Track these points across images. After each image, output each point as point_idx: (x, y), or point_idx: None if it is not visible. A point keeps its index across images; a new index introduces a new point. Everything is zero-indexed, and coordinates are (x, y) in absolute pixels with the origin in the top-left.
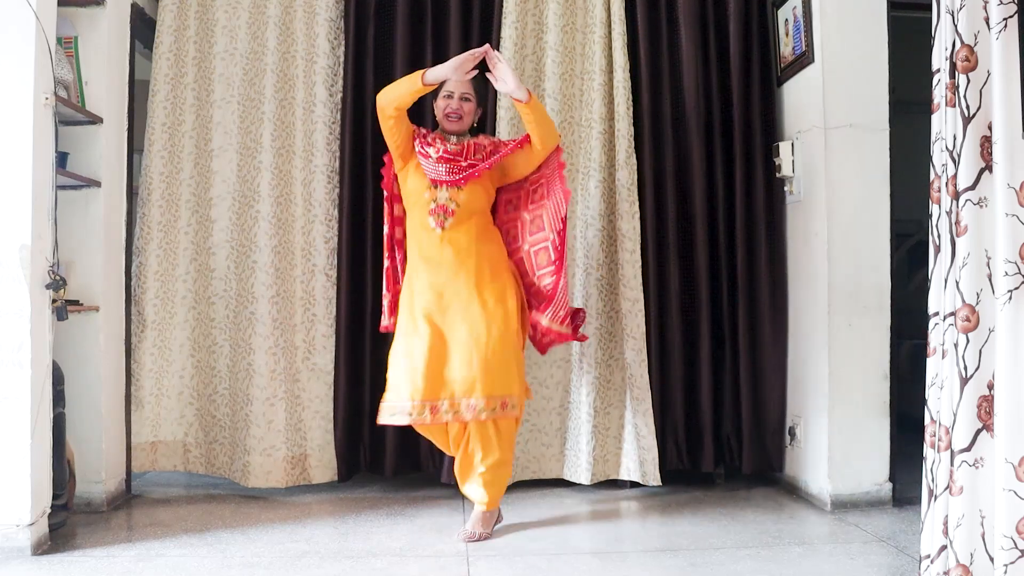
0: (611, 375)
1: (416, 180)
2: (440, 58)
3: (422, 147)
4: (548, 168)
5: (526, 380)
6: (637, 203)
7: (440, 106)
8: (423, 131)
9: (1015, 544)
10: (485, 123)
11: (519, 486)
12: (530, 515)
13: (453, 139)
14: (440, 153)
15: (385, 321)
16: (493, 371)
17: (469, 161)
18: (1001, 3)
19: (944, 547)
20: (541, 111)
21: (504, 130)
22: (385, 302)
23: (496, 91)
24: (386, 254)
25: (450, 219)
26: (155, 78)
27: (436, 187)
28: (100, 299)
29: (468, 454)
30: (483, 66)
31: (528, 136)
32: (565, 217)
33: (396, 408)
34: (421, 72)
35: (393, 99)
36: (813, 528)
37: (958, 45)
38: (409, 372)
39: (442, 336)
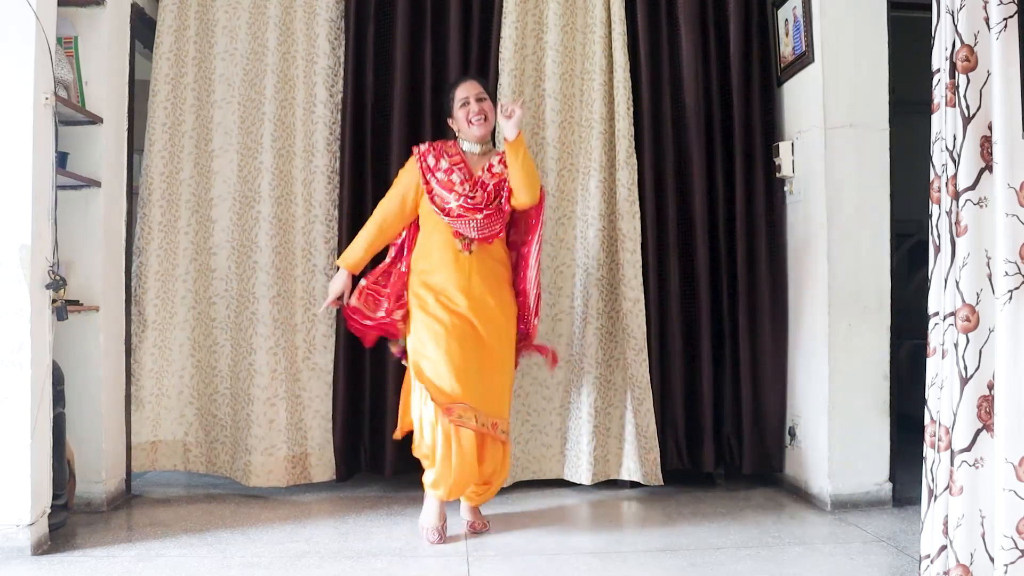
0: (611, 375)
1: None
2: (439, 58)
3: (436, 181)
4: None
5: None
6: (637, 203)
7: (460, 116)
8: (431, 161)
9: (1015, 544)
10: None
11: (519, 486)
12: (530, 515)
13: (478, 149)
14: (458, 204)
15: (351, 301)
16: (497, 396)
17: (486, 211)
18: (1001, 3)
19: (944, 547)
20: (527, 158)
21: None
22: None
23: (496, 93)
24: (393, 256)
25: (475, 243)
26: (155, 78)
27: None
28: (100, 299)
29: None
30: (466, 77)
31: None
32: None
33: (446, 401)
34: (343, 264)
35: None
36: (813, 528)
37: (958, 45)
38: (454, 372)
39: (477, 348)
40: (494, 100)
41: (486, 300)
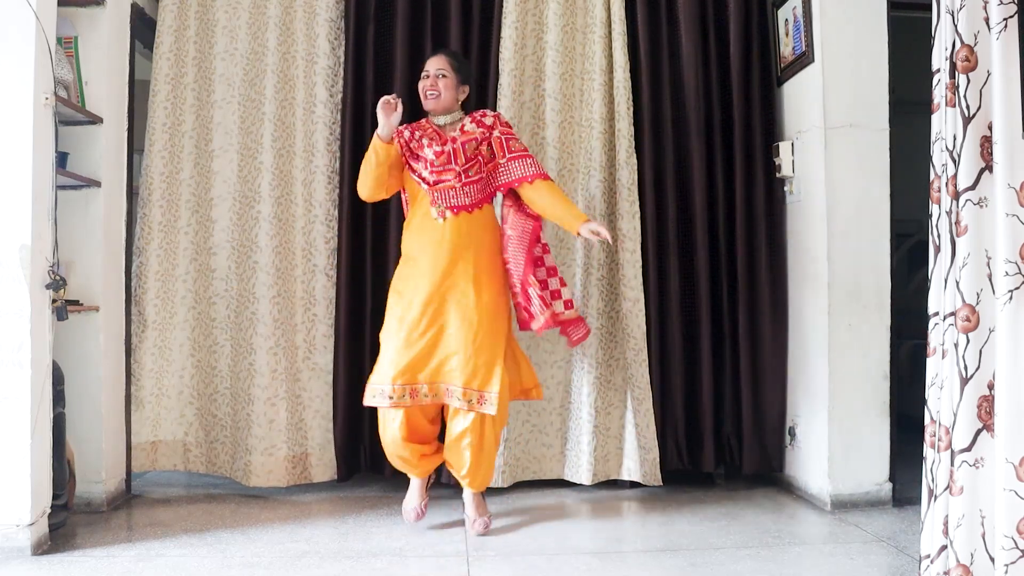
0: (611, 375)
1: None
2: None
3: (410, 152)
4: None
5: (536, 379)
6: (638, 203)
7: (420, 88)
8: (406, 135)
9: (1016, 544)
10: (485, 102)
11: (520, 486)
12: (530, 515)
13: (444, 120)
14: (430, 171)
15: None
16: (477, 365)
17: (465, 178)
18: (1001, 3)
19: (944, 547)
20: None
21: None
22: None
23: (496, 92)
24: None
25: (450, 211)
26: (155, 78)
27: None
28: (100, 299)
29: (455, 441)
30: (438, 50)
31: (522, 179)
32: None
33: (377, 390)
34: (373, 139)
35: (369, 182)
36: (813, 528)
37: (958, 45)
38: (394, 355)
39: (434, 322)
40: (493, 95)
41: (454, 268)
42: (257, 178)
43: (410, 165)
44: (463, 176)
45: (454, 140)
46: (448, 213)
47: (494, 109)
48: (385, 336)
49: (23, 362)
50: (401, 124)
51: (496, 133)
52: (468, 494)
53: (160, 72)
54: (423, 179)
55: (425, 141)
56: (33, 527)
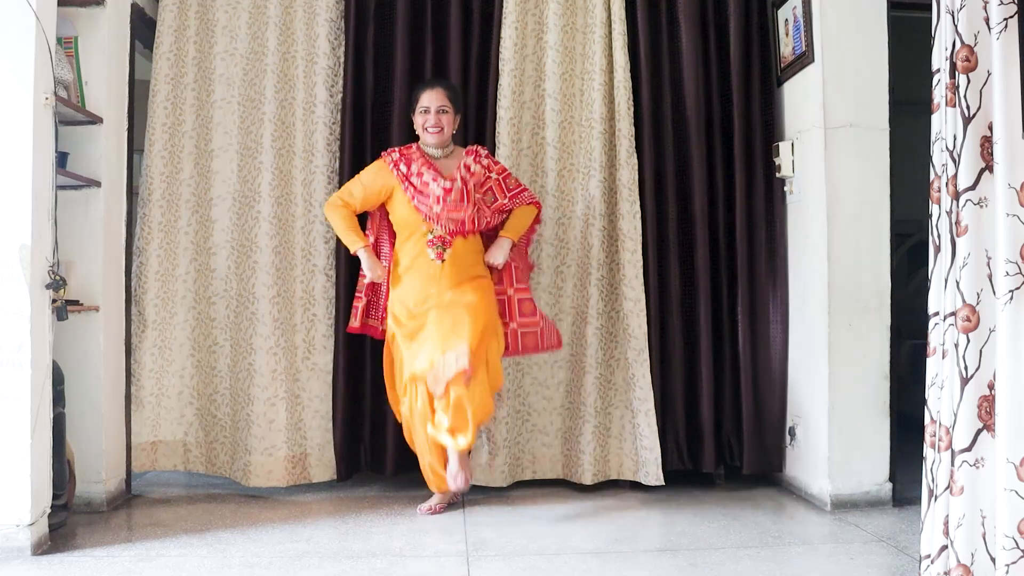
0: (612, 375)
1: (410, 211)
2: (440, 59)
3: (413, 189)
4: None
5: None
6: (638, 203)
7: (418, 121)
8: (404, 169)
9: (1016, 544)
10: (484, 130)
11: (520, 486)
12: (530, 515)
13: (439, 153)
14: (438, 196)
15: (355, 323)
16: (455, 330)
17: (468, 212)
18: (1001, 3)
19: (945, 547)
20: (520, 228)
21: (504, 131)
22: (359, 305)
23: (496, 92)
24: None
25: (449, 250)
26: (155, 78)
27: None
28: (100, 299)
29: (454, 406)
30: (436, 83)
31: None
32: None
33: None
34: (359, 247)
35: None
36: (813, 528)
37: (958, 45)
38: (412, 359)
39: (432, 317)
40: (493, 95)
41: (452, 295)
42: (257, 178)
43: (414, 200)
44: (471, 216)
45: (463, 179)
46: (447, 252)
47: (494, 109)
48: (401, 353)
49: (23, 362)
50: (392, 151)
51: (493, 175)
52: (455, 456)
53: (160, 72)
54: (431, 216)
55: (428, 176)
56: (33, 527)
